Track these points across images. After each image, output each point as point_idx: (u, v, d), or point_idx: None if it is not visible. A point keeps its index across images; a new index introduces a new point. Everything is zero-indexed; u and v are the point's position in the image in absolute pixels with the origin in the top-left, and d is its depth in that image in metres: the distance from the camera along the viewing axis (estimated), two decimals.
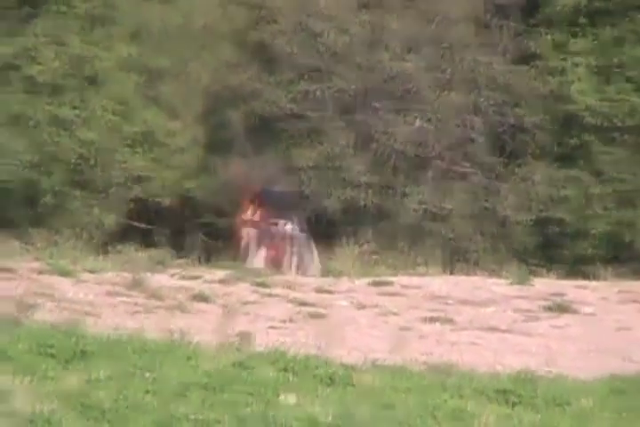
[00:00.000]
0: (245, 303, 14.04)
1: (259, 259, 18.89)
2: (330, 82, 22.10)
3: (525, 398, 9.80)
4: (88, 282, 14.86)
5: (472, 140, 22.13)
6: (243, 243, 19.58)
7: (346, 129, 22.07)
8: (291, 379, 9.67)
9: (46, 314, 12.06)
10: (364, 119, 22.09)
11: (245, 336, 11.64)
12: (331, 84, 22.10)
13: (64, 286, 14.39)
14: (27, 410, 7.94)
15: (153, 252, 18.77)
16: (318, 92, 22.13)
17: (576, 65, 21.70)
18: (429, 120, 22.02)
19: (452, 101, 22.08)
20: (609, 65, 21.64)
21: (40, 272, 15.15)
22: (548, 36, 22.13)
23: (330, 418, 8.36)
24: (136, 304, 13.57)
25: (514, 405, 9.56)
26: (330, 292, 15.27)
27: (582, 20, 21.99)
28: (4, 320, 11.40)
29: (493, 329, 13.65)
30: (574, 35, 22.00)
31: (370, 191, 21.78)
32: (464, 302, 15.11)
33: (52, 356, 9.77)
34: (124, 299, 13.87)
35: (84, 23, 21.36)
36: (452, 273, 18.54)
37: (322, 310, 13.91)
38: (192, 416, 8.16)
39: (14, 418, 7.71)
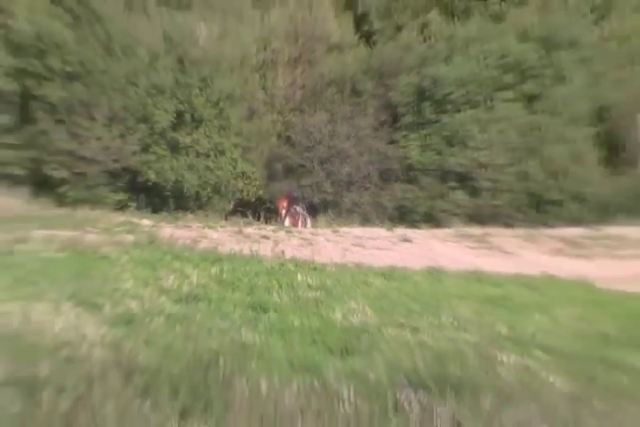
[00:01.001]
0: (282, 240, 14.05)
1: (287, 222, 18.89)
2: (317, 153, 21.86)
3: (392, 276, 9.91)
4: (219, 231, 14.84)
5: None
6: (280, 216, 19.60)
7: (321, 172, 21.84)
8: (298, 269, 9.75)
9: (204, 244, 12.12)
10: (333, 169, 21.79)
11: (282, 252, 11.70)
12: (316, 154, 21.87)
13: (210, 233, 14.38)
14: (195, 282, 7.98)
15: (246, 219, 18.78)
16: (311, 157, 21.94)
17: (414, 145, 21.39)
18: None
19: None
20: (427, 144, 21.22)
21: (201, 227, 15.18)
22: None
23: (313, 283, 8.47)
24: (239, 240, 13.58)
25: (387, 279, 9.67)
26: (315, 234, 15.28)
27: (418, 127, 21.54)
28: (186, 247, 11.46)
29: (380, 248, 13.69)
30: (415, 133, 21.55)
31: (330, 196, 21.64)
32: (368, 238, 15.15)
33: (206, 260, 9.84)
34: (236, 238, 13.85)
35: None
36: (363, 227, 18.53)
37: (312, 242, 13.95)
38: (261, 285, 8.23)
39: (190, 286, 7.77)
